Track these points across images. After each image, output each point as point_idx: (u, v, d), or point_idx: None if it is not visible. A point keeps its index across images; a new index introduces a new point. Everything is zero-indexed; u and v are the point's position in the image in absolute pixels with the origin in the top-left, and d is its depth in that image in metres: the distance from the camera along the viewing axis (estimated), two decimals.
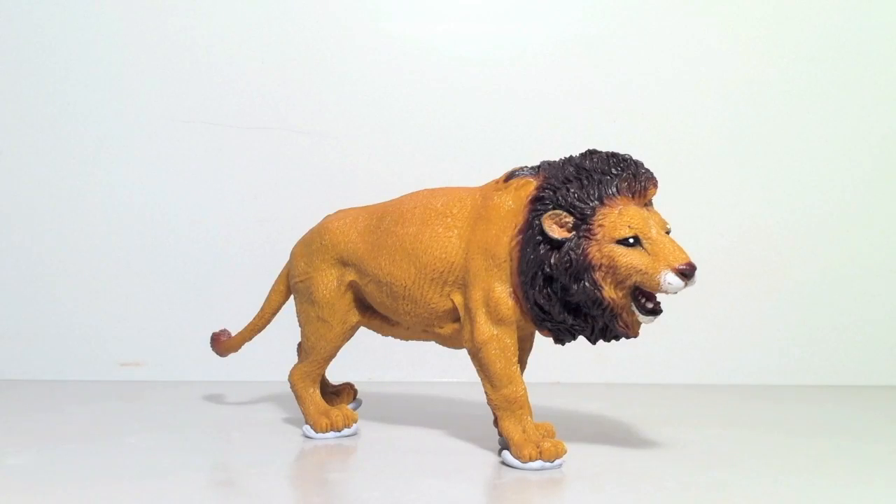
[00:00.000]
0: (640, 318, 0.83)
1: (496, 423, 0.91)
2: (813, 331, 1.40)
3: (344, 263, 0.97)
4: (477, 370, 0.89)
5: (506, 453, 0.87)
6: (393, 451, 0.93)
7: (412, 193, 0.97)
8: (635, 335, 0.85)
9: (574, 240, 0.81)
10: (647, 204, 0.84)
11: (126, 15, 1.36)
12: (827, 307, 1.40)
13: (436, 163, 1.36)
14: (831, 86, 1.40)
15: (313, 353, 0.99)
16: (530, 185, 0.86)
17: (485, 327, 0.86)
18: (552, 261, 0.82)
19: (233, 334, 1.10)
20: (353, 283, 0.96)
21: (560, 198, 0.82)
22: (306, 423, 0.99)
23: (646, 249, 0.80)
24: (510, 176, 0.88)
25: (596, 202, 0.81)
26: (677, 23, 1.39)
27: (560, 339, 0.87)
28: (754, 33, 1.39)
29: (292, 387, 1.01)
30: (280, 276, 1.07)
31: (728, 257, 1.38)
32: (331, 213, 1.04)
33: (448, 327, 0.92)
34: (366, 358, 1.27)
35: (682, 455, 0.91)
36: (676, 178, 1.27)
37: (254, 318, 1.08)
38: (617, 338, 0.85)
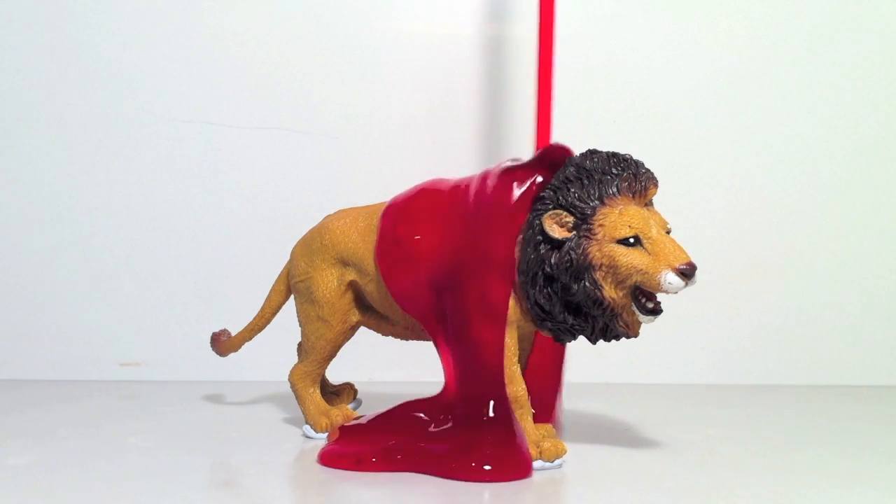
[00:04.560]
0: (641, 317, 0.83)
1: None
2: (813, 331, 1.40)
3: (344, 263, 0.97)
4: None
5: None
6: None
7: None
8: (636, 335, 0.85)
9: (574, 239, 0.81)
10: (648, 204, 0.84)
11: (126, 15, 1.35)
12: (827, 307, 1.40)
13: (436, 163, 1.35)
14: (833, 86, 1.40)
15: (313, 353, 0.99)
16: None
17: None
18: (552, 260, 0.82)
19: (233, 334, 1.10)
20: (353, 282, 0.96)
21: (560, 197, 0.82)
22: (306, 423, 0.99)
23: (646, 249, 0.80)
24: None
25: (596, 202, 0.81)
26: (678, 23, 1.39)
27: (560, 339, 0.87)
28: (755, 33, 1.39)
29: (292, 387, 1.01)
30: (280, 275, 1.07)
31: (728, 257, 1.38)
32: (331, 213, 1.04)
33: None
34: (366, 358, 1.26)
35: (681, 455, 0.91)
36: (677, 178, 1.27)
37: (254, 318, 1.08)
38: (617, 338, 0.85)
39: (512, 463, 0.83)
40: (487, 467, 0.82)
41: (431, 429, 0.87)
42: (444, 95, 1.38)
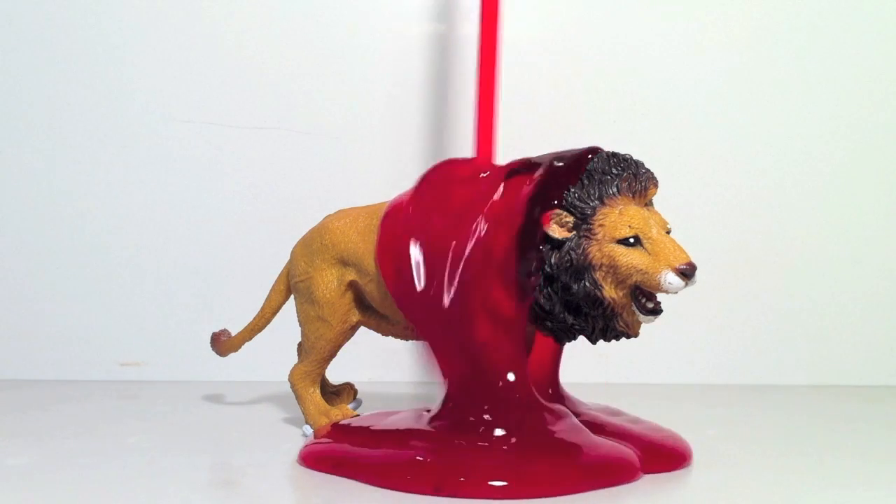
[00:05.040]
0: (641, 317, 0.83)
1: None
2: (813, 331, 1.40)
3: (344, 263, 0.97)
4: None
5: None
6: None
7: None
8: (635, 335, 0.85)
9: (574, 239, 0.81)
10: (648, 204, 0.84)
11: (126, 15, 1.35)
12: (827, 307, 1.40)
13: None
14: (833, 86, 1.40)
15: (313, 353, 0.99)
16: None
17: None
18: (553, 260, 0.82)
19: (233, 334, 1.10)
20: (353, 282, 0.96)
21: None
22: (306, 423, 0.99)
23: (646, 249, 0.80)
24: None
25: (596, 202, 0.81)
26: (678, 22, 1.39)
27: (560, 339, 0.87)
28: (756, 32, 1.39)
29: (292, 387, 1.01)
30: (280, 275, 1.07)
31: (728, 257, 1.38)
32: (331, 213, 1.04)
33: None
34: (366, 358, 1.26)
35: None
36: (677, 178, 1.27)
37: (254, 318, 1.09)
38: (617, 338, 0.85)
39: (544, 478, 0.78)
40: (499, 483, 0.77)
41: (425, 435, 0.85)
42: (443, 95, 1.38)
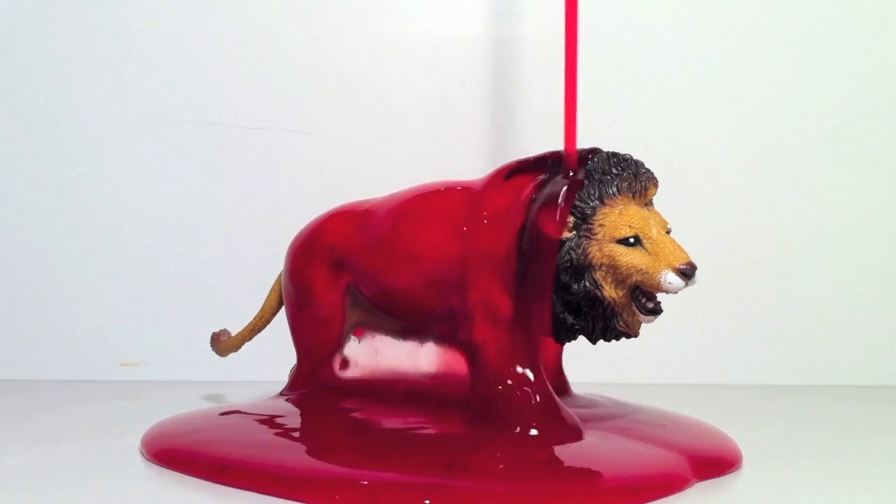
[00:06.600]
0: (641, 317, 0.83)
1: None
2: (813, 331, 1.40)
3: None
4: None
5: None
6: None
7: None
8: (636, 335, 0.85)
9: (574, 239, 0.81)
10: (648, 204, 0.84)
11: (126, 14, 1.35)
12: (827, 307, 1.40)
13: (436, 163, 1.36)
14: (832, 85, 1.40)
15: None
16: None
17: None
18: None
19: (233, 334, 1.10)
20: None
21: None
22: None
23: (646, 249, 0.80)
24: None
25: (596, 202, 0.81)
26: (678, 22, 1.39)
27: (560, 339, 0.87)
28: (756, 32, 1.39)
29: None
30: (279, 276, 1.07)
31: (728, 257, 1.38)
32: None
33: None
34: None
35: None
36: (677, 178, 1.28)
37: (254, 318, 1.09)
38: (617, 338, 0.85)
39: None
40: None
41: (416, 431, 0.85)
42: (444, 95, 1.38)
